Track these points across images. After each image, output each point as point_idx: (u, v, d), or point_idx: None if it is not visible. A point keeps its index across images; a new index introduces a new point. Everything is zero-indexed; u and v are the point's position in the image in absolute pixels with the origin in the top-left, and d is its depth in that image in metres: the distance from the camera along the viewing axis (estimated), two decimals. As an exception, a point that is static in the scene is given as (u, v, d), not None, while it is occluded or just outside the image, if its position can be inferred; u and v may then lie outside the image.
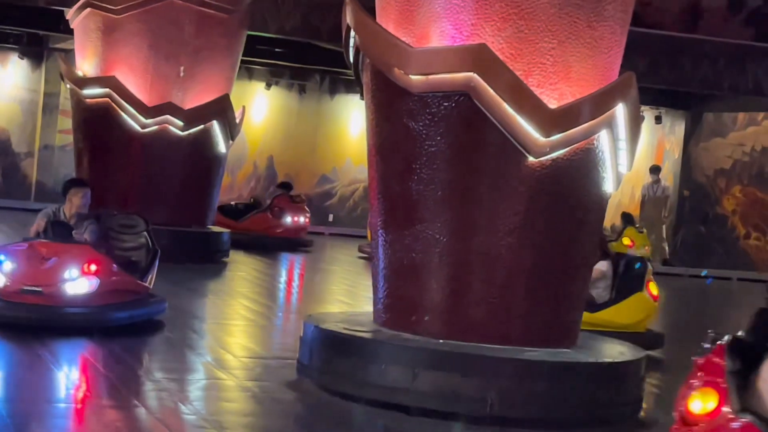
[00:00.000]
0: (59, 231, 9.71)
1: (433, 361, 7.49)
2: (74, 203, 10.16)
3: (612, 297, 11.10)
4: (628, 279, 11.16)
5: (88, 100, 15.91)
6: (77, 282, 9.34)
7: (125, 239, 10.38)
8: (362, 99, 8.85)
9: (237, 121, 16.58)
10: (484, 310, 7.77)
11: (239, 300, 13.32)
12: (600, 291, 11.01)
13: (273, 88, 25.45)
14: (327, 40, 19.08)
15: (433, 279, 7.83)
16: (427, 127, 7.76)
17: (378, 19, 8.18)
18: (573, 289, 8.01)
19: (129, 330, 9.67)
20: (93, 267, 9.39)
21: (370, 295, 8.65)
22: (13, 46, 23.44)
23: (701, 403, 4.34)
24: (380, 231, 8.22)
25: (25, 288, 9.22)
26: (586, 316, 10.14)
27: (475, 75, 7.54)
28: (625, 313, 10.95)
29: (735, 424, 4.17)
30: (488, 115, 7.59)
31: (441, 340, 7.74)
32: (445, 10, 7.71)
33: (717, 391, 4.35)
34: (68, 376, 8.01)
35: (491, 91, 7.56)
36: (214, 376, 8.51)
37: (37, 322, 9.13)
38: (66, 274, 9.32)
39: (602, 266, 10.91)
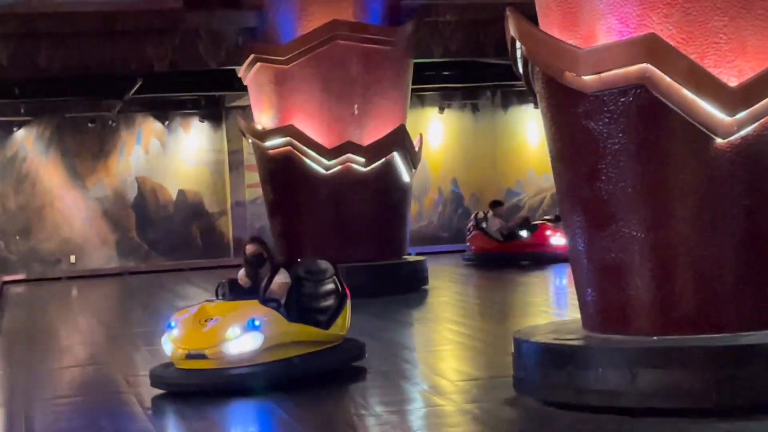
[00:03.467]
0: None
1: (651, 360, 7.37)
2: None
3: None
4: None
5: (270, 151, 16.30)
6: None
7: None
8: (536, 108, 8.82)
9: (416, 149, 16.71)
10: (694, 300, 7.62)
11: (445, 325, 13.38)
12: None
13: (446, 111, 25.55)
14: (493, 55, 19.07)
15: (637, 276, 7.72)
16: (607, 126, 7.68)
17: (541, 27, 8.15)
18: (782, 267, 7.77)
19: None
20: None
21: (575, 302, 8.58)
22: (193, 111, 24.24)
23: None
24: (576, 235, 8.16)
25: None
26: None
27: (649, 65, 7.43)
28: None
29: None
30: (668, 103, 7.46)
31: (655, 337, 7.62)
32: (608, 6, 7.63)
33: None
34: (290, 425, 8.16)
35: (667, 79, 7.44)
36: (432, 404, 8.56)
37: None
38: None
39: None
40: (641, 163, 7.63)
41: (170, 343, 9.16)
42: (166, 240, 23.98)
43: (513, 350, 8.32)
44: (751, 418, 7.12)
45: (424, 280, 16.71)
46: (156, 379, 9.30)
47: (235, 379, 8.94)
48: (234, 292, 9.50)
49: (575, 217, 8.12)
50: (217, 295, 9.57)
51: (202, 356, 8.94)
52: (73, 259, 23.52)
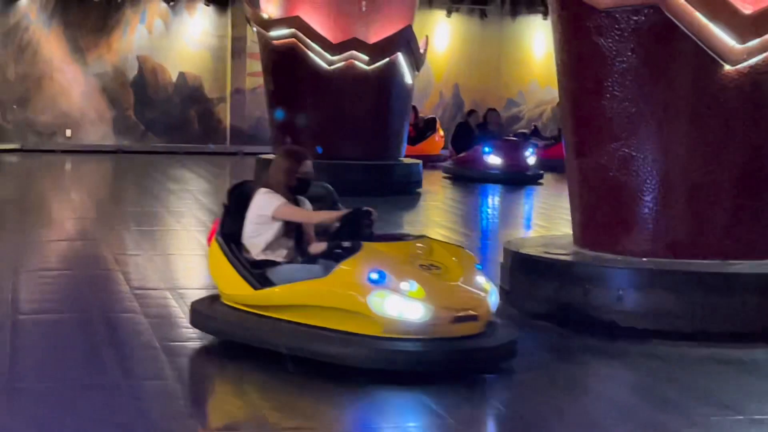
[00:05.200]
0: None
1: (638, 280, 7.41)
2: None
3: None
4: None
5: (274, 41, 16.16)
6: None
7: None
8: (545, 19, 8.75)
9: (421, 51, 16.59)
10: (687, 225, 7.62)
11: (435, 229, 13.39)
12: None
13: (454, 14, 25.36)
14: (507, -39, 18.87)
15: (632, 197, 7.71)
16: (617, 43, 7.62)
17: (560, -63, 8.03)
18: (778, 198, 7.78)
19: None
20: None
21: (568, 217, 8.59)
22: (200, -7, 24.02)
23: None
24: (574, 151, 8.14)
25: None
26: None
27: (664, -15, 7.35)
28: None
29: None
30: (680, 26, 7.38)
31: (644, 259, 7.64)
32: None
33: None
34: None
35: (682, 0, 7.35)
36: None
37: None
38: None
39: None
40: (647, 84, 7.58)
41: (419, 303, 6.11)
42: (163, 121, 23.93)
43: (502, 260, 8.36)
44: (730, 345, 7.17)
45: (418, 183, 16.71)
46: (409, 358, 6.10)
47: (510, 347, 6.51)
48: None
49: (576, 133, 8.09)
50: (346, 234, 6.55)
51: (472, 318, 6.30)
52: (68, 132, 23.48)
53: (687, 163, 7.56)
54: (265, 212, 6.75)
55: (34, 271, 9.50)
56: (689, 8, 7.35)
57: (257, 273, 6.63)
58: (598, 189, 7.91)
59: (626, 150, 7.66)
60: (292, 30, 15.87)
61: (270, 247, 6.78)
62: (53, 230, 12.48)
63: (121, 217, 13.31)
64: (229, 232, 6.85)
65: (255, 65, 21.86)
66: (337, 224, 6.66)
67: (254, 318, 6.53)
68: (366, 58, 15.87)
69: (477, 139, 18.97)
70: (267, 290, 6.51)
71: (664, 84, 7.54)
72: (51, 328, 7.43)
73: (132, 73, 23.78)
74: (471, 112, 20.22)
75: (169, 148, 23.36)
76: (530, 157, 18.67)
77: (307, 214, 6.84)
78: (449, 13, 25.24)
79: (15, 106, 23.21)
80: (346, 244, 6.44)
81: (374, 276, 6.14)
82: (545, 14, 23.84)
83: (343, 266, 6.23)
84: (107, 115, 23.74)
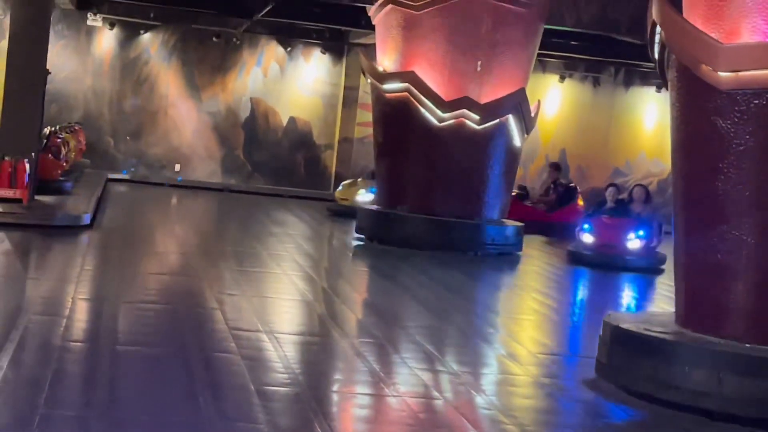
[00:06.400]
0: None
1: (740, 366, 7.27)
2: None
3: None
4: None
5: (387, 94, 16.30)
6: None
7: None
8: (658, 92, 8.69)
9: (532, 114, 16.58)
10: (794, 315, 7.49)
11: (532, 294, 13.34)
12: None
13: (567, 80, 25.32)
14: (626, 32, 18.82)
15: (739, 281, 7.60)
16: (735, 125, 7.54)
17: (685, 14, 7.99)
18: None
19: (419, 317, 9.80)
20: None
21: (671, 294, 8.48)
22: (316, 41, 24.35)
23: None
24: (683, 229, 8.05)
25: None
26: None
27: (789, 71, 7.27)
28: None
29: None
30: (802, 112, 7.30)
31: (747, 345, 7.51)
32: (756, 4, 7.45)
33: None
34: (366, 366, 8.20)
35: (805, 87, 7.27)
36: (509, 371, 8.54)
37: None
38: None
39: None
40: (764, 169, 7.48)
41: None
42: (271, 164, 24.25)
43: (601, 333, 8.27)
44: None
45: (519, 245, 16.65)
46: None
47: None
48: None
49: (686, 211, 8.01)
50: None
51: None
52: (177, 167, 23.89)
53: (800, 252, 7.43)
54: None
55: (134, 302, 9.65)
56: (812, 96, 7.26)
57: None
58: (704, 270, 7.81)
59: (737, 233, 7.56)
60: (406, 84, 16.00)
61: None
62: (156, 263, 12.68)
63: (222, 255, 13.48)
64: None
65: (365, 115, 22.08)
66: None
67: None
68: (477, 117, 15.92)
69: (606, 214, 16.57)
70: None
71: (781, 170, 7.45)
72: (148, 361, 7.53)
73: (244, 114, 24.16)
74: (610, 185, 17.61)
75: (274, 190, 23.66)
76: (633, 241, 15.99)
77: None
78: (562, 78, 25.24)
79: (128, 138, 23.70)
80: None
81: None
82: (659, 87, 23.73)
83: None
84: (216, 153, 24.12)
